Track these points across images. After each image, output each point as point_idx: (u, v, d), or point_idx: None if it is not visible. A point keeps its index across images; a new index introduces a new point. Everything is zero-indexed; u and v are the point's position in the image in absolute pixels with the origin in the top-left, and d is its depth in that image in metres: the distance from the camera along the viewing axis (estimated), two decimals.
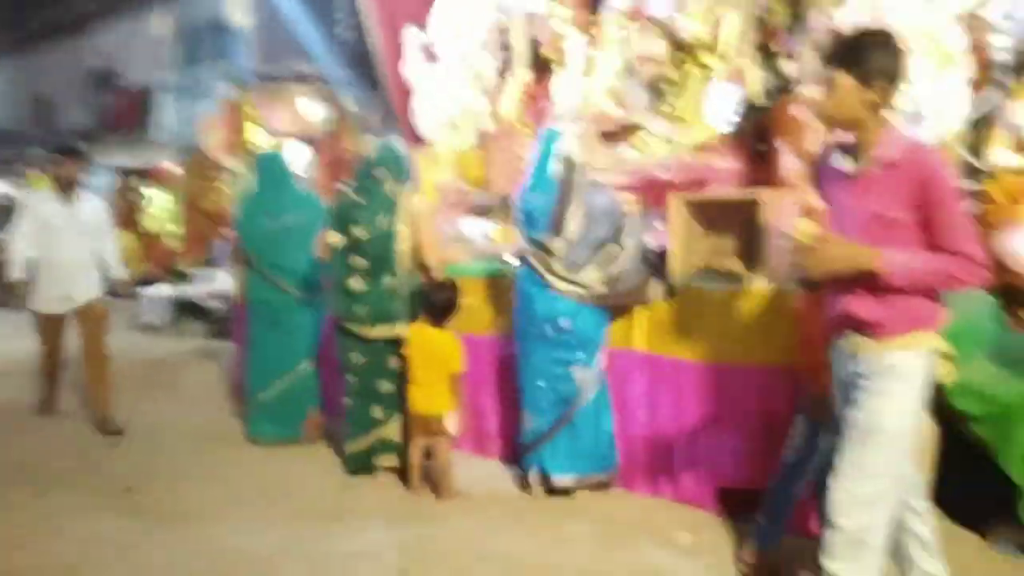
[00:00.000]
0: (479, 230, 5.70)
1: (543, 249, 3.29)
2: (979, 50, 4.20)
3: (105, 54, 15.56)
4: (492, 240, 5.49)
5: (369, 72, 8.45)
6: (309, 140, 8.45)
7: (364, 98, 8.62)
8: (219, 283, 8.10)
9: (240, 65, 6.61)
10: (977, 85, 4.18)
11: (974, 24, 4.30)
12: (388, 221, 3.50)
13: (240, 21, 5.99)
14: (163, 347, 7.98)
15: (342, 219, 3.58)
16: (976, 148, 4.09)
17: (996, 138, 4.03)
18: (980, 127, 4.12)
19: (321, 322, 4.44)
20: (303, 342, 4.33)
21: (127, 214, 10.48)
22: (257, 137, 7.42)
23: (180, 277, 8.89)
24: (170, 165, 10.22)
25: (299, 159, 8.85)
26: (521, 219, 3.32)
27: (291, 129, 8.12)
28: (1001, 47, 4.22)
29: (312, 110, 8.25)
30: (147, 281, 9.47)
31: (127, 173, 11.16)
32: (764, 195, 3.45)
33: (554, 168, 3.44)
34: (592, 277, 3.44)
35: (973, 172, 3.97)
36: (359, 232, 3.50)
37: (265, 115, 7.61)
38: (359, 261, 3.51)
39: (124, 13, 14.49)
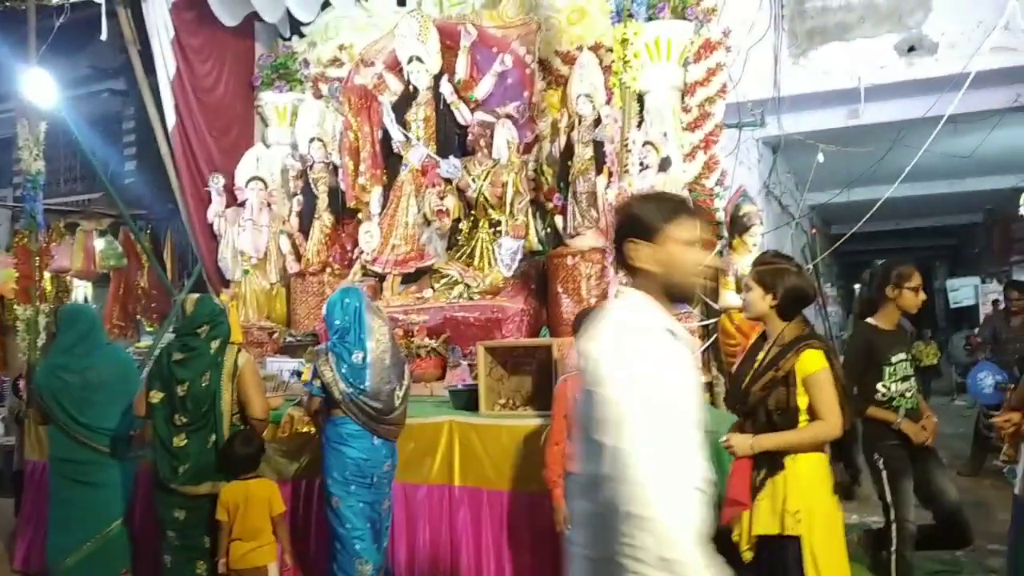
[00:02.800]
0: (287, 368, 5.91)
1: (366, 404, 3.61)
2: (706, 212, 5.26)
3: None
4: (302, 378, 5.72)
5: (162, 206, 8.45)
6: (99, 276, 8.22)
7: (156, 233, 8.58)
8: None
9: (22, 197, 6.41)
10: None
11: (699, 190, 5.42)
12: (210, 376, 3.69)
13: (31, 165, 5.90)
14: None
15: (163, 376, 3.72)
16: (713, 292, 5.04)
17: (724, 283, 5.03)
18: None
19: (132, 479, 4.35)
20: (115, 501, 4.17)
21: None
22: (50, 280, 7.14)
23: None
24: None
25: (84, 296, 8.53)
26: (340, 372, 3.60)
27: (79, 267, 7.87)
28: (717, 208, 5.34)
29: (102, 246, 8.08)
30: None
31: None
32: (560, 342, 4.09)
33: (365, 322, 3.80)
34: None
35: (711, 312, 4.93)
36: (181, 389, 3.66)
37: (52, 252, 7.35)
38: (181, 419, 3.65)
39: None
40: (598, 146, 5.60)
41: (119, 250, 7.97)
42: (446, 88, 6.26)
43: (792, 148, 6.44)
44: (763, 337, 3.01)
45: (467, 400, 4.30)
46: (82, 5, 6.91)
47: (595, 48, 6.00)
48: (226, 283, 6.99)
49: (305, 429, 4.37)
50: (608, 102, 5.57)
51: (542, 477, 3.45)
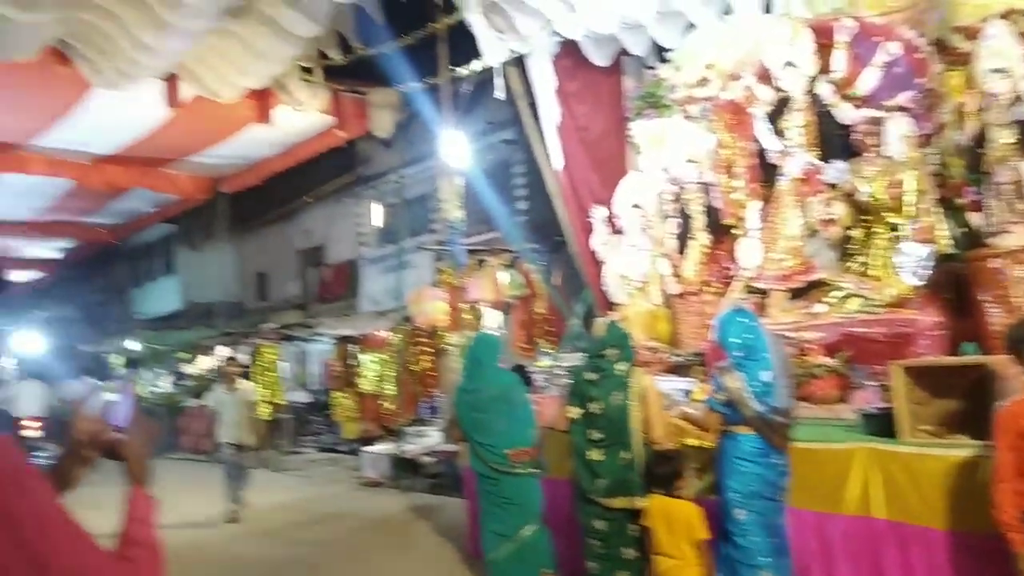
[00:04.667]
0: (677, 388, 6.05)
1: (773, 420, 3.60)
2: None
3: (313, 233, 17.91)
4: (692, 396, 5.81)
5: (551, 240, 9.29)
6: (504, 306, 9.33)
7: (548, 264, 9.45)
8: (431, 440, 8.88)
9: (444, 240, 7.65)
10: None
11: None
12: (620, 397, 3.99)
13: (452, 215, 6.99)
14: (387, 503, 8.62)
15: (579, 394, 4.11)
16: None
17: None
18: None
19: (538, 487, 4.66)
20: (521, 510, 4.51)
21: (345, 377, 11.85)
22: (469, 310, 8.34)
23: (395, 435, 9.81)
24: (381, 332, 11.50)
25: (494, 323, 9.73)
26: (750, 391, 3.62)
27: (489, 297, 9.03)
28: None
29: (507, 278, 9.15)
30: (366, 440, 10.52)
31: (342, 340, 12.62)
32: (995, 360, 3.57)
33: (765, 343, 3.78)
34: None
35: None
36: (594, 407, 4.01)
37: (465, 286, 8.53)
38: (596, 434, 4.00)
39: (329, 199, 16.78)
40: (1021, 126, 4.80)
41: (520, 281, 8.97)
42: (824, 89, 5.91)
43: None
44: None
45: (881, 425, 3.95)
46: (480, 71, 7.99)
47: (1007, 15, 5.15)
48: (612, 306, 7.42)
49: (695, 443, 4.41)
50: None
51: (988, 517, 3.03)
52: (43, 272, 20.92)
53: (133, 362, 18.40)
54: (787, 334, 5.38)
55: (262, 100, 6.73)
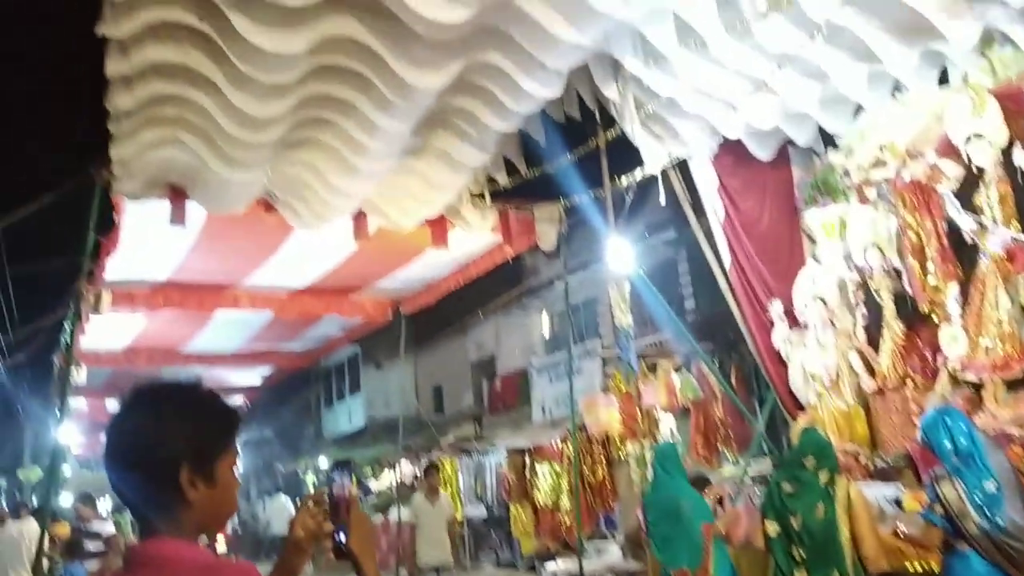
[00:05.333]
0: (884, 496, 5.49)
1: (1005, 542, 3.15)
2: None
3: (485, 346, 18.50)
4: (905, 506, 5.24)
5: (725, 338, 8.97)
6: (682, 409, 9.03)
7: (724, 364, 9.10)
8: (612, 558, 8.53)
9: (615, 346, 7.60)
10: None
11: None
12: (825, 510, 3.65)
13: (621, 320, 6.97)
14: None
15: (776, 508, 3.81)
16: None
17: None
18: None
19: None
20: None
21: (520, 490, 11.81)
22: (643, 417, 8.16)
23: (573, 550, 9.54)
24: (555, 442, 11.45)
25: (669, 428, 9.41)
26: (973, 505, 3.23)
27: (663, 402, 8.79)
28: None
29: (680, 381, 8.89)
30: (544, 556, 10.30)
31: (516, 451, 12.67)
32: None
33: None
34: None
35: None
36: (795, 522, 3.69)
37: (637, 391, 8.37)
38: (800, 553, 3.66)
39: (499, 311, 17.36)
40: None
41: (695, 383, 8.67)
42: (1021, 157, 5.46)
43: None
44: None
45: None
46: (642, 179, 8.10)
47: None
48: (801, 407, 6.97)
49: (916, 565, 3.95)
50: None
51: None
52: (246, 397, 22.95)
53: (341, 464, 19.45)
54: (1010, 431, 4.78)
55: (438, 226, 7.18)
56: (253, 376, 16.29)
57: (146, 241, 7.06)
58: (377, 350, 20.47)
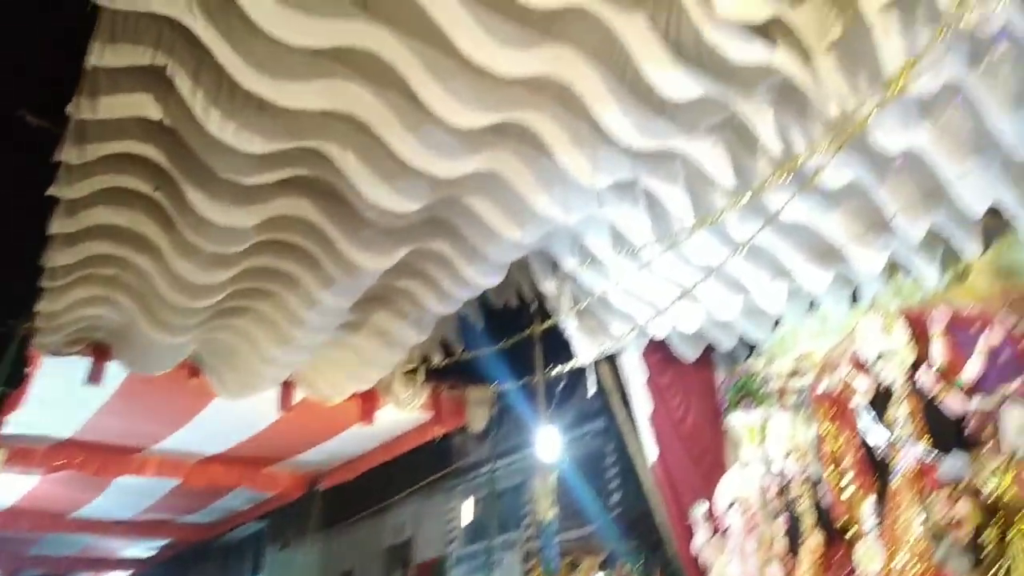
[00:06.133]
0: None
1: None
2: None
3: (403, 529, 17.55)
4: None
5: (649, 537, 8.77)
6: None
7: (647, 564, 8.84)
8: None
9: (536, 539, 7.34)
10: None
11: None
12: None
13: (546, 512, 6.80)
14: None
15: None
16: None
17: None
18: None
19: None
20: None
21: None
22: None
23: None
24: None
25: None
26: None
27: None
28: None
29: None
30: None
31: None
32: None
33: None
34: None
35: None
36: None
37: None
38: None
39: (420, 493, 16.65)
40: None
41: None
42: (926, 378, 5.80)
43: None
44: None
45: None
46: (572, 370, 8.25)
47: None
48: None
49: None
50: None
51: None
52: (132, 571, 20.92)
53: None
54: None
55: (367, 402, 7.10)
56: (143, 548, 14.99)
57: (54, 395, 6.71)
58: (285, 527, 19.15)
